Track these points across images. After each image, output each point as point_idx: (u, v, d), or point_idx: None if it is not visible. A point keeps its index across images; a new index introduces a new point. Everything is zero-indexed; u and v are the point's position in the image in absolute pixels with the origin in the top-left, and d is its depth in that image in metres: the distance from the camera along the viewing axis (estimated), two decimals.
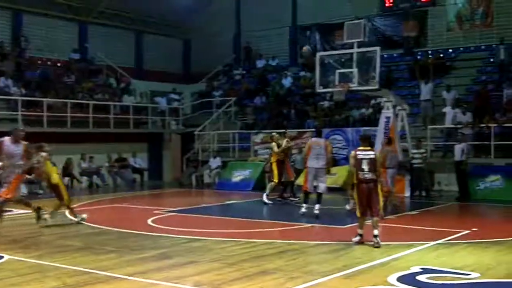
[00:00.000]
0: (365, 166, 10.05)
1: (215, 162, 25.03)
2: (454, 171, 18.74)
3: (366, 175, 10.04)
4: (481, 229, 12.03)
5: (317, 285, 7.32)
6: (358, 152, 10.31)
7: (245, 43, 32.95)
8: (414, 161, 19.14)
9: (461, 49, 26.87)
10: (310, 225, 12.71)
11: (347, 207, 15.32)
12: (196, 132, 27.21)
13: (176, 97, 30.75)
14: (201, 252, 9.53)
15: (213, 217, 14.82)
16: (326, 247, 10.00)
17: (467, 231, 11.49)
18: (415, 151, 19.32)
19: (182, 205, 16.73)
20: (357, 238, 10.14)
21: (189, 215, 14.95)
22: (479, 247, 9.98)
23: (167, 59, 33.68)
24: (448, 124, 21.53)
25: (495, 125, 19.90)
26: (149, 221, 13.29)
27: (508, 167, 18.79)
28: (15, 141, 11.71)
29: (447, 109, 21.68)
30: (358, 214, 10.18)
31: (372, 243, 9.82)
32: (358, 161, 10.14)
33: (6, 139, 11.69)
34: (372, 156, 10.19)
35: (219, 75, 32.89)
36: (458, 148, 18.48)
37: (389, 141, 16.81)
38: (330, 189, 20.42)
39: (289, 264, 8.50)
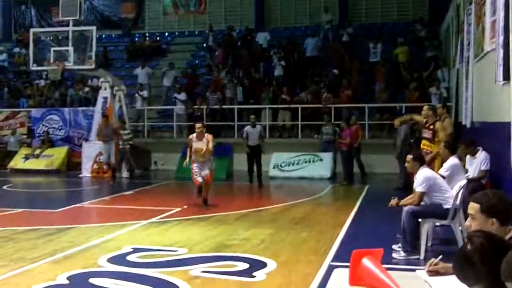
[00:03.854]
0: None
1: None
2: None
3: None
4: (191, 206, 12.68)
5: (24, 272, 7.05)
6: None
7: None
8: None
9: (177, 33, 27.86)
10: (20, 210, 12.14)
11: None
12: None
13: None
14: None
15: None
16: (37, 233, 9.62)
17: (178, 209, 11.99)
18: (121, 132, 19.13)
19: None
20: None
21: None
22: (188, 223, 10.52)
23: None
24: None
25: (205, 106, 21.04)
26: None
27: (217, 147, 19.90)
28: None
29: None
30: None
31: None
32: None
33: None
34: None
35: None
36: None
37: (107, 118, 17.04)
38: (46, 172, 19.89)
39: None
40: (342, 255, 7.57)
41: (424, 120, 11.34)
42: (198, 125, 12.40)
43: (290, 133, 20.82)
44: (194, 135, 12.29)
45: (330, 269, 6.99)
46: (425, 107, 11.74)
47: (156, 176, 19.63)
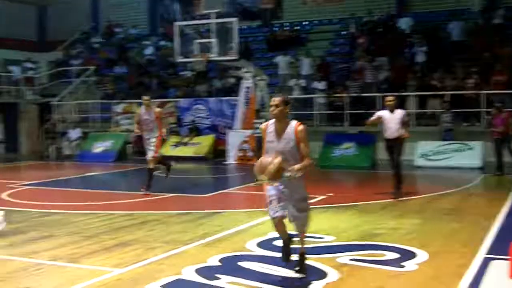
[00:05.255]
0: None
1: (75, 133, 24.19)
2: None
3: None
4: (336, 194, 12.60)
5: (176, 254, 7.35)
6: None
7: (106, 18, 32.10)
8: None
9: (315, 22, 27.79)
10: (171, 195, 12.68)
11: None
12: (53, 102, 26.11)
13: (30, 65, 29.29)
14: (58, 226, 9.24)
15: (72, 189, 14.34)
16: (188, 216, 10.03)
17: (323, 197, 11.91)
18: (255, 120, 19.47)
19: (39, 178, 16.09)
20: None
21: (46, 188, 14.44)
22: (333, 211, 10.46)
23: (21, 27, 31.81)
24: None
25: (346, 94, 20.81)
26: (3, 195, 12.67)
27: (360, 135, 19.74)
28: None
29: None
30: None
31: None
32: None
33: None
34: None
35: (76, 44, 31.76)
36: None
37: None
38: (193, 159, 20.67)
39: (148, 235, 8.46)
40: (497, 248, 7.22)
41: None
42: (275, 99, 6.23)
43: (438, 121, 20.02)
44: (271, 123, 6.36)
45: (485, 261, 6.69)
46: None
47: None
